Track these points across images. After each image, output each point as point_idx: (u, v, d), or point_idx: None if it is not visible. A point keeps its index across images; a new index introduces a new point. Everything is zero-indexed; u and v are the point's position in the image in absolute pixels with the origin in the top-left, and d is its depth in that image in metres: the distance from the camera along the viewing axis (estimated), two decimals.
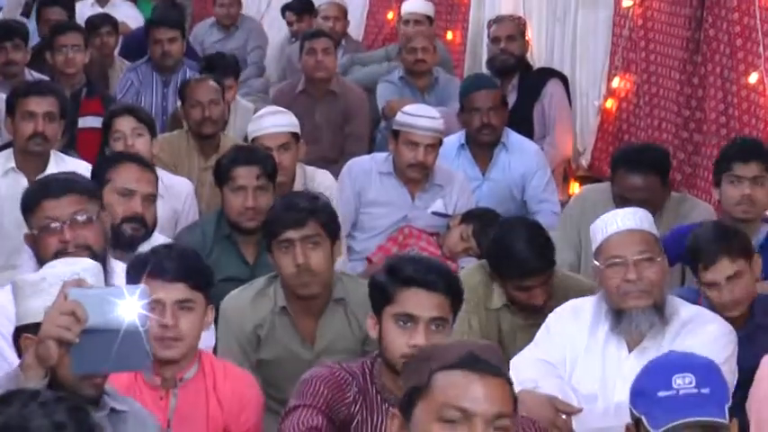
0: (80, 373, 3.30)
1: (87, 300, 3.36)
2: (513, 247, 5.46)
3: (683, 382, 3.54)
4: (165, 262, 4.41)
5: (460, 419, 3.05)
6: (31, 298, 3.83)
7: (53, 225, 4.80)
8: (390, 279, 4.24)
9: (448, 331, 4.24)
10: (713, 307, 5.14)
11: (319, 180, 6.99)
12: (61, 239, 4.76)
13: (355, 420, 4.26)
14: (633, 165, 6.23)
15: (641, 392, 3.62)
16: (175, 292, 4.37)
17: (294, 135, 6.91)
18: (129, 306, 3.32)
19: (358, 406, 4.26)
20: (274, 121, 6.94)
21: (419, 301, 4.17)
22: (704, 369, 3.62)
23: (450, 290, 4.22)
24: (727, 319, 5.04)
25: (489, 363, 3.11)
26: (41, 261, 4.74)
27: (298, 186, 6.85)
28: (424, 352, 3.25)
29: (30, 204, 4.96)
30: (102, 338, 3.27)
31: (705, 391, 3.53)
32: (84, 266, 3.87)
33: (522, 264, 5.42)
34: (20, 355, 3.84)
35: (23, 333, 3.85)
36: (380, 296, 4.26)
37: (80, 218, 4.81)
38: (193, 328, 4.41)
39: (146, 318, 3.36)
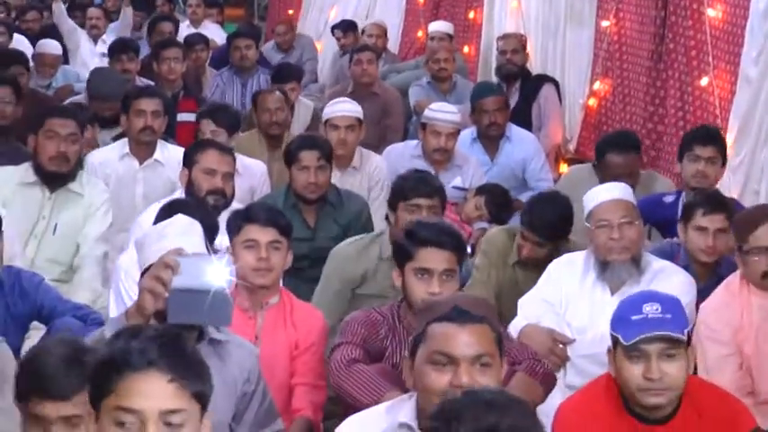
0: (174, 323, 3.21)
1: (183, 264, 3.29)
2: (545, 214, 5.40)
3: (651, 309, 3.53)
4: (260, 212, 4.51)
5: (447, 362, 3.02)
6: (153, 244, 3.75)
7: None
8: (409, 240, 4.23)
9: (456, 278, 4.23)
10: (690, 257, 5.10)
11: (373, 160, 6.92)
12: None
13: (387, 351, 4.25)
14: (617, 147, 6.24)
15: (618, 318, 3.60)
16: (268, 234, 4.44)
17: (358, 120, 6.87)
18: (218, 271, 3.23)
19: (389, 341, 4.26)
20: (345, 108, 6.92)
21: (433, 257, 4.16)
22: (669, 300, 3.60)
23: (457, 247, 4.22)
24: (699, 266, 5.02)
25: (470, 314, 3.05)
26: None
27: (355, 161, 6.82)
28: (425, 305, 3.20)
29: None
30: (194, 297, 3.18)
31: (668, 315, 3.51)
32: (196, 225, 3.85)
33: (548, 226, 5.37)
34: None
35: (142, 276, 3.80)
36: (402, 254, 4.25)
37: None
38: (280, 263, 4.47)
39: (231, 282, 3.27)
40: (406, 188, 5.23)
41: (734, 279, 4.64)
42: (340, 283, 5.25)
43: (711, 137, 5.95)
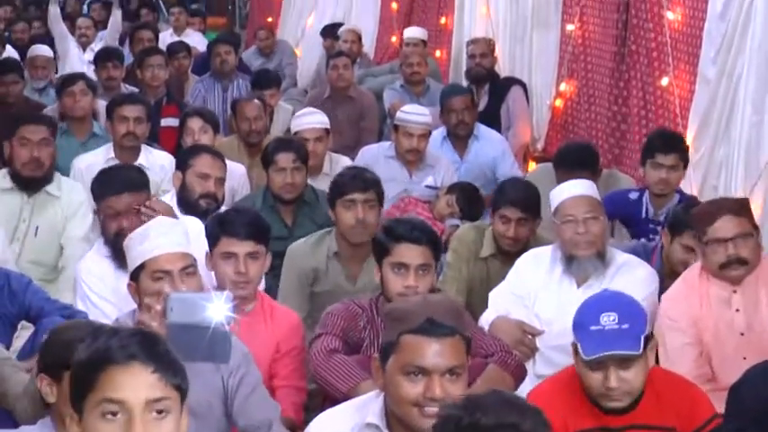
0: None
1: (183, 300, 3.25)
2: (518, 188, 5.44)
3: (609, 320, 3.51)
4: (238, 225, 4.40)
5: (420, 374, 3.01)
6: (137, 246, 3.81)
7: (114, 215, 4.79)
8: (386, 236, 4.26)
9: (432, 273, 4.26)
10: (667, 269, 5.04)
11: (342, 163, 6.85)
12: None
13: (365, 343, 4.25)
14: (570, 166, 5.99)
15: (578, 324, 3.59)
16: (246, 246, 4.37)
17: (326, 130, 6.85)
18: (217, 308, 3.19)
19: (366, 332, 4.27)
20: (311, 120, 6.87)
21: (408, 253, 4.19)
22: (626, 307, 3.58)
23: (431, 243, 4.24)
24: (675, 276, 4.86)
25: (444, 325, 3.03)
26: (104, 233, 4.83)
27: (326, 168, 6.79)
28: (398, 312, 3.16)
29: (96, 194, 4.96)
30: (194, 333, 3.15)
31: (625, 326, 3.50)
32: (178, 224, 3.92)
33: (524, 197, 5.35)
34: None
35: (131, 280, 3.87)
36: (380, 250, 4.27)
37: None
38: (258, 272, 4.44)
39: (231, 318, 3.25)
40: (341, 184, 5.24)
41: (692, 271, 4.63)
42: (297, 278, 5.22)
43: (673, 145, 5.91)
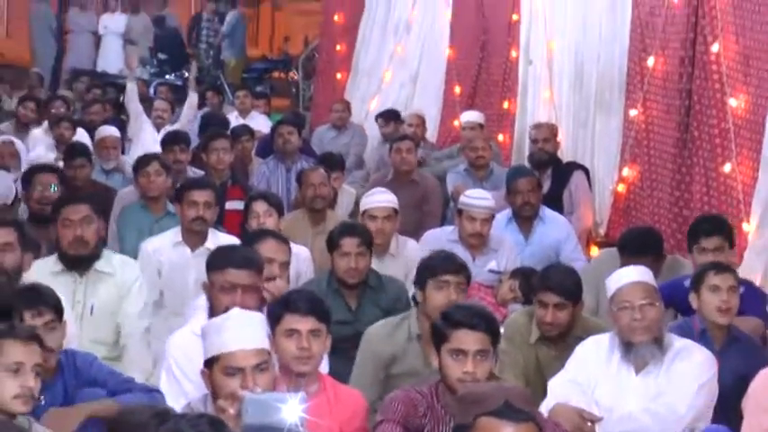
0: None
1: (258, 402, 3.34)
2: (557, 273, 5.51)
3: None
4: (300, 301, 4.46)
5: None
6: (213, 336, 3.90)
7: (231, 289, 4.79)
8: (445, 323, 4.34)
9: (490, 359, 4.31)
10: (705, 323, 5.20)
11: (409, 246, 7.00)
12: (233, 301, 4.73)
13: (425, 429, 4.31)
14: (633, 251, 6.16)
15: None
16: (308, 323, 4.41)
17: (394, 209, 6.96)
18: (291, 409, 3.28)
19: (427, 419, 4.32)
20: (381, 198, 7.00)
21: (466, 339, 4.26)
22: None
23: (489, 329, 4.30)
24: (716, 329, 5.10)
25: (522, 411, 3.12)
26: (213, 309, 4.81)
27: (392, 249, 6.91)
28: (474, 395, 3.25)
29: (216, 264, 4.91)
30: None
31: None
32: (256, 317, 3.94)
33: (562, 283, 5.41)
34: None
35: (205, 367, 3.95)
36: (438, 336, 4.35)
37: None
38: (320, 350, 4.46)
39: (304, 419, 3.32)
40: (433, 265, 5.33)
41: None
42: (373, 363, 5.32)
43: (717, 227, 6.03)
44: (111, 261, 5.93)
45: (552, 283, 5.38)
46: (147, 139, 10.89)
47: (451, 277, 5.26)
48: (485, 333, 4.28)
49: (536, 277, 5.69)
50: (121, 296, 5.85)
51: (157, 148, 9.96)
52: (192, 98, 11.66)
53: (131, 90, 11.21)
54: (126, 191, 8.10)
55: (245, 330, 3.89)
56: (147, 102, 12.21)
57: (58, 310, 4.62)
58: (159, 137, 10.88)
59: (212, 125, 10.39)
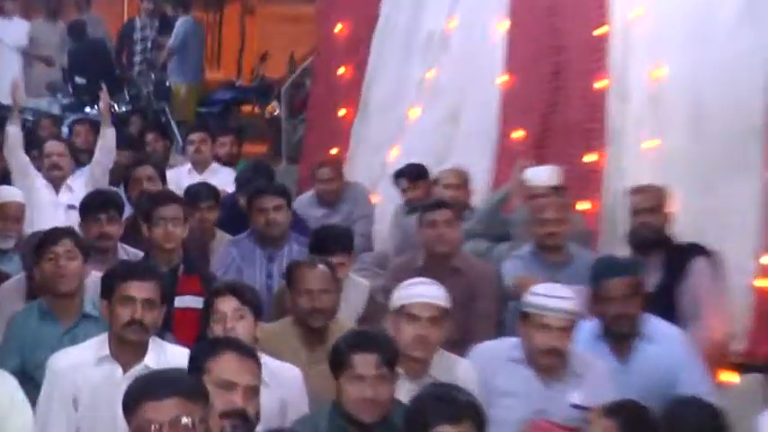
0: None
1: None
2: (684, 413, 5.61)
3: None
4: None
5: None
6: None
7: (153, 428, 4.81)
8: None
9: None
10: None
11: (459, 368, 7.01)
12: None
13: None
14: None
15: None
16: None
17: (446, 310, 6.95)
18: None
19: None
20: (426, 291, 6.99)
21: None
22: None
23: None
24: None
25: None
26: None
27: (434, 370, 6.88)
28: None
29: (130, 403, 4.96)
30: None
31: None
32: None
33: None
34: None
35: None
36: None
37: (184, 420, 4.82)
38: None
39: None
40: (422, 413, 5.59)
41: None
42: None
43: None
44: None
45: (683, 427, 5.50)
46: (42, 201, 10.82)
47: (451, 428, 5.47)
48: None
49: (662, 417, 5.75)
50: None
51: (59, 217, 9.84)
52: (107, 136, 11.34)
53: (14, 135, 10.98)
54: (10, 284, 8.07)
55: None
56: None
57: None
58: (62, 197, 10.75)
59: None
